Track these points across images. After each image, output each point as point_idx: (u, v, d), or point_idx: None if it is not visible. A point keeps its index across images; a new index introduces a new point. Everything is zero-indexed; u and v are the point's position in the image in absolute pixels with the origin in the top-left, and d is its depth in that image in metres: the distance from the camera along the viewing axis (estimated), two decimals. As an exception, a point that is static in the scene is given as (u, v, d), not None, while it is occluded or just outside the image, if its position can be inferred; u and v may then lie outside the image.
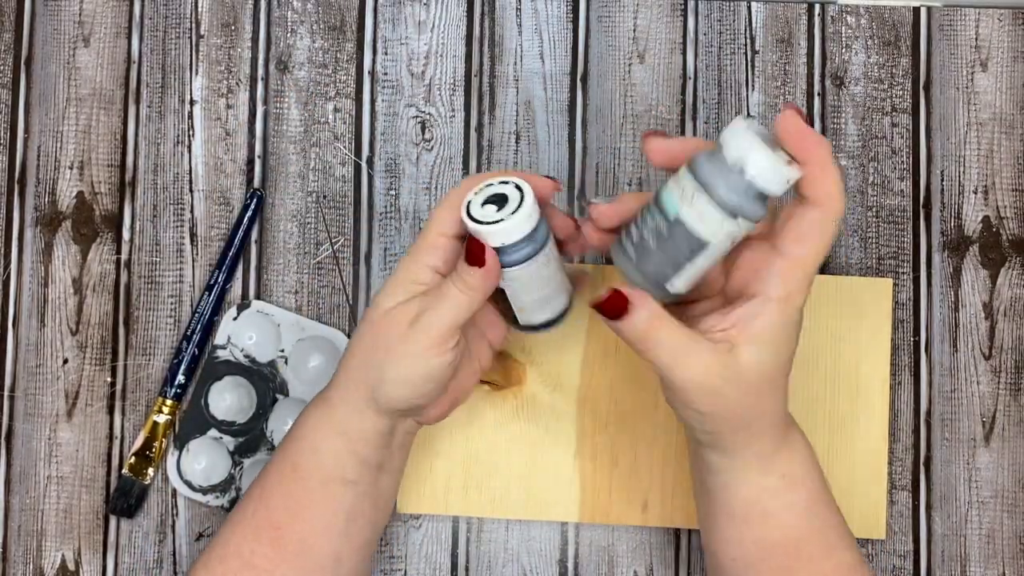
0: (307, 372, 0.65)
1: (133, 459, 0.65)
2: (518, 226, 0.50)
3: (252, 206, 0.66)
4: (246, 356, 0.65)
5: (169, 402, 0.65)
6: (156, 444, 0.65)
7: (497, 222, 0.50)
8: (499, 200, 0.51)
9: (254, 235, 0.67)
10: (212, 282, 0.66)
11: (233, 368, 0.65)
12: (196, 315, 0.65)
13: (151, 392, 0.67)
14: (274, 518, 0.54)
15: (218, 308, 0.66)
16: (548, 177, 0.53)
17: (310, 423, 0.54)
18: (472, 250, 0.50)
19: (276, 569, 0.53)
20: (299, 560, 0.53)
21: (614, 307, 0.49)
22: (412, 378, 0.52)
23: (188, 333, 0.65)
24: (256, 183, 0.68)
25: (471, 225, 0.51)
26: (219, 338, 0.65)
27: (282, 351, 0.65)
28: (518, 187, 0.51)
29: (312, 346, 0.65)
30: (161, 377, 0.66)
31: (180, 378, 0.65)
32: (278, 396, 0.65)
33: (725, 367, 0.49)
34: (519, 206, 0.50)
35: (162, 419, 0.65)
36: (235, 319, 0.65)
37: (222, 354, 0.65)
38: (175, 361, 0.65)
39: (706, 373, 0.49)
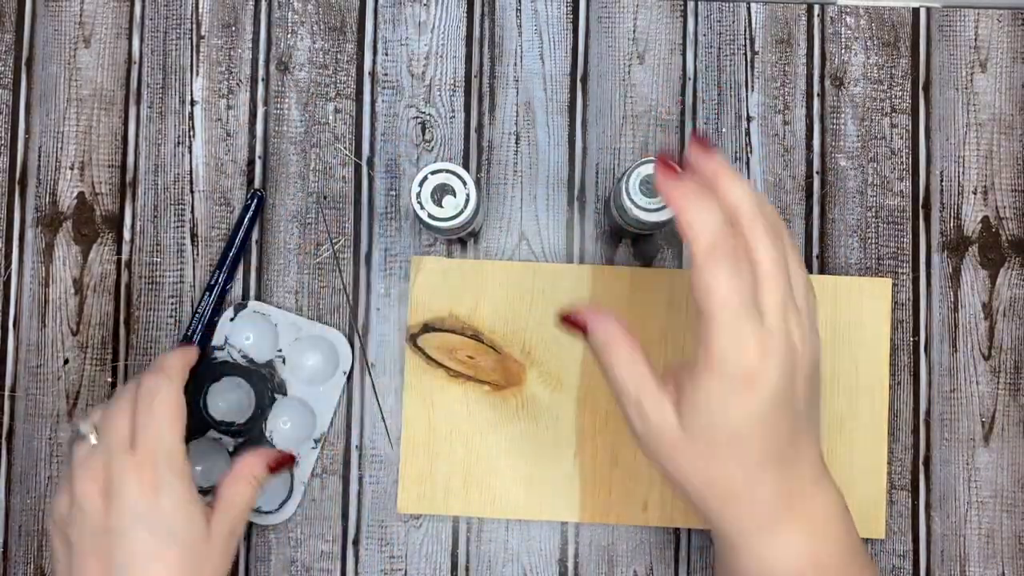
0: (305, 371, 0.65)
1: None
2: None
3: (253, 206, 0.66)
4: (244, 356, 0.65)
5: None
6: None
7: None
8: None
9: (255, 235, 0.67)
10: (212, 282, 0.66)
11: (231, 369, 0.65)
12: (196, 316, 0.65)
13: (152, 392, 0.67)
14: None
15: (219, 309, 0.66)
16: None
17: None
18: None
19: None
20: None
21: (573, 324, 0.50)
22: None
23: (188, 333, 0.65)
24: (257, 184, 0.68)
25: None
26: (216, 339, 0.65)
27: (280, 351, 0.66)
28: None
29: (310, 345, 0.65)
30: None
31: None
32: (276, 396, 0.65)
33: (663, 420, 0.46)
34: None
35: None
36: (232, 320, 0.65)
37: (219, 355, 0.65)
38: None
39: (643, 419, 0.47)
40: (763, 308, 0.45)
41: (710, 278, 0.44)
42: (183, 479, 0.52)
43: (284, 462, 0.58)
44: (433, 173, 0.58)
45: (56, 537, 0.53)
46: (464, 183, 0.58)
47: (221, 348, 0.65)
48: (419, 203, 0.58)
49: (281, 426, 0.65)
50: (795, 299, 0.46)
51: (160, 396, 0.53)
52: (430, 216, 0.58)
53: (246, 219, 0.66)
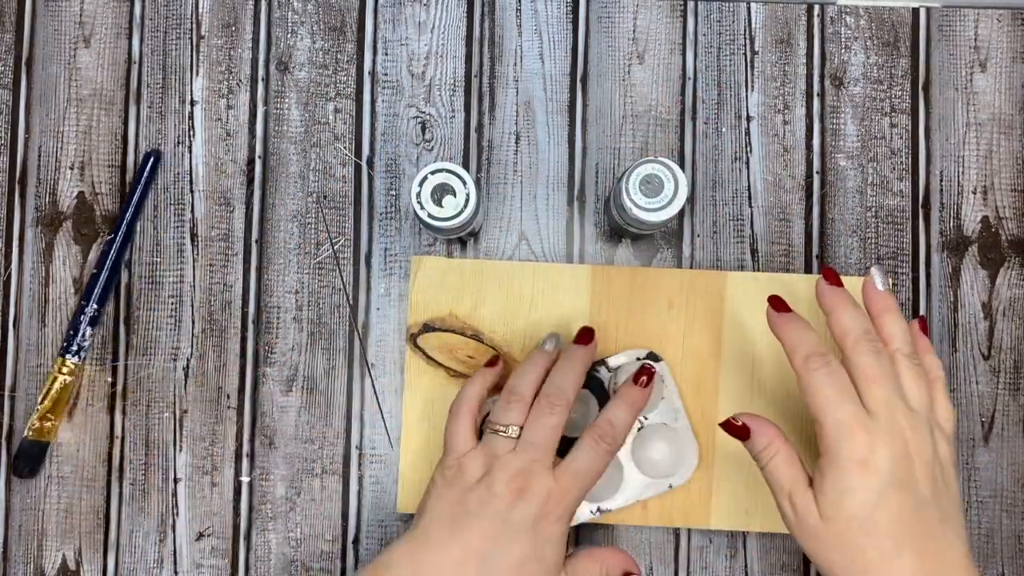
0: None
1: (37, 422, 0.65)
2: None
3: (148, 168, 0.67)
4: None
5: (70, 362, 0.65)
6: (61, 405, 0.66)
7: None
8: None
9: (254, 235, 0.68)
10: (108, 247, 0.66)
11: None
12: (95, 274, 0.66)
13: (152, 392, 0.67)
14: None
15: (116, 268, 0.66)
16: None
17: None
18: None
19: None
20: None
21: (735, 430, 0.56)
22: None
23: (89, 294, 0.66)
24: (256, 183, 0.68)
25: None
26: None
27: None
28: None
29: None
30: (162, 376, 0.67)
31: (81, 338, 0.66)
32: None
33: (807, 511, 0.52)
34: None
35: (67, 380, 0.66)
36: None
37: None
38: (79, 320, 0.66)
39: (794, 511, 0.53)
40: (869, 406, 0.51)
41: (815, 381, 0.52)
42: (567, 524, 0.56)
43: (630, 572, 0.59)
44: (433, 173, 0.58)
45: (448, 487, 0.56)
46: (464, 183, 0.58)
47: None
48: (419, 203, 0.58)
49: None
50: (908, 402, 0.52)
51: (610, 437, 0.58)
52: (430, 216, 0.58)
53: (142, 180, 0.67)
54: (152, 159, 0.67)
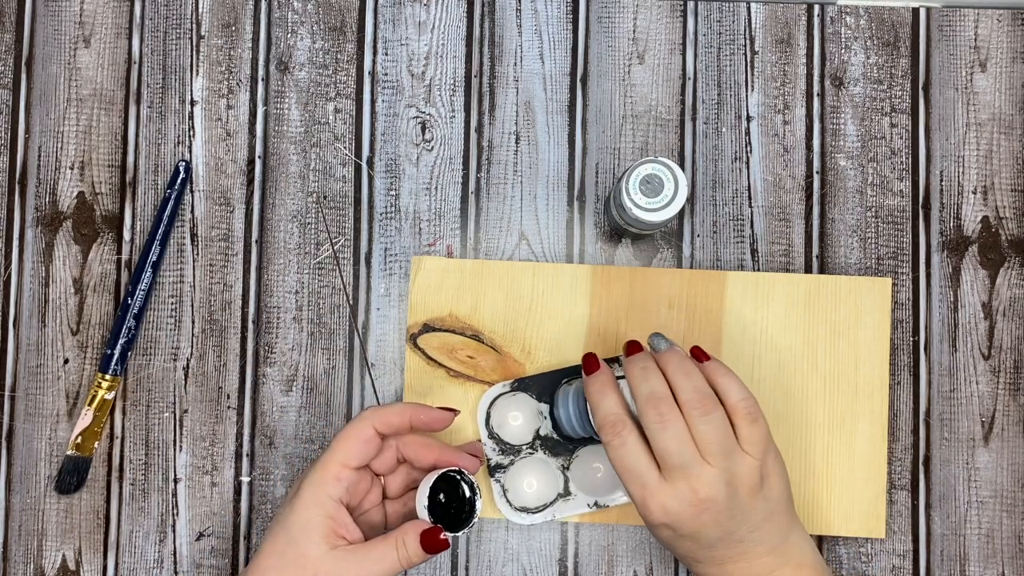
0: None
1: (80, 439, 0.65)
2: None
3: (181, 176, 0.67)
4: None
5: (108, 378, 0.66)
6: (103, 419, 0.66)
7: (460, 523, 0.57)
8: (449, 486, 0.57)
9: (254, 235, 0.68)
10: (149, 257, 0.66)
11: None
12: (139, 292, 0.66)
13: (152, 392, 0.67)
14: None
15: (152, 283, 0.66)
16: (471, 454, 0.60)
17: None
18: (433, 543, 0.55)
19: None
20: None
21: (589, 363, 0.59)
22: None
23: (135, 312, 0.66)
24: (256, 183, 0.68)
25: (430, 519, 0.56)
26: None
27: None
28: (466, 482, 0.57)
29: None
30: (162, 376, 0.67)
31: (117, 353, 0.66)
32: None
33: (643, 510, 0.57)
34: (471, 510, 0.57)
35: (107, 397, 0.66)
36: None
37: None
38: (124, 341, 0.66)
39: (632, 499, 0.57)
40: (664, 474, 0.55)
41: (608, 452, 0.57)
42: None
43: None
44: (642, 164, 0.58)
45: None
46: (673, 174, 0.58)
47: None
48: (628, 195, 0.58)
49: None
50: (705, 455, 0.55)
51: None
52: (636, 206, 0.58)
53: (176, 188, 0.67)
54: (183, 172, 0.67)
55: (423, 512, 0.56)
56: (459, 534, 0.57)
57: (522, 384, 0.65)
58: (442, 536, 0.55)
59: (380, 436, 0.57)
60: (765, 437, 0.56)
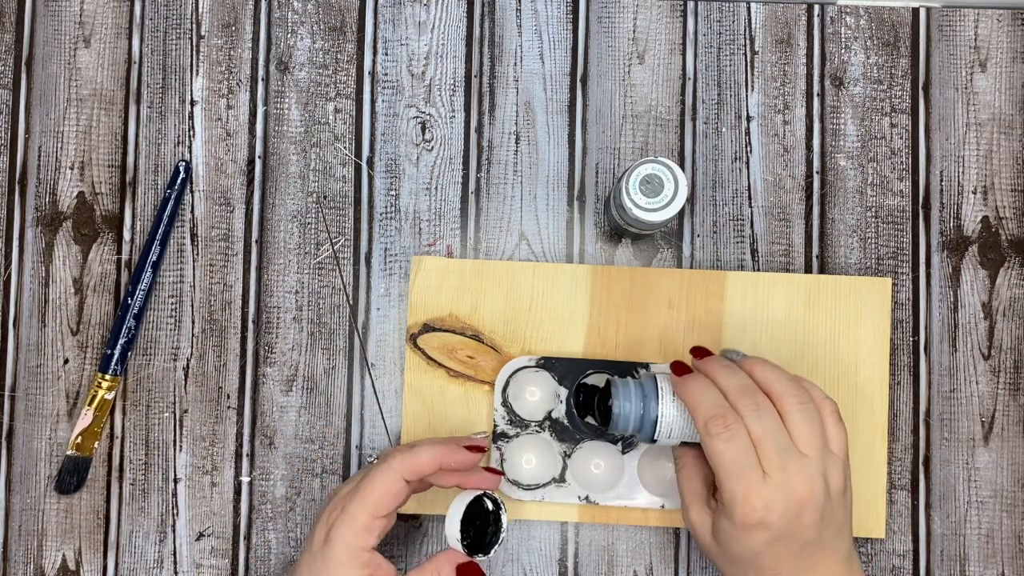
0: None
1: (80, 439, 0.66)
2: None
3: (180, 177, 0.67)
4: None
5: (108, 378, 0.66)
6: (103, 419, 0.66)
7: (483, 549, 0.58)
8: (479, 511, 0.58)
9: (254, 235, 0.68)
10: (149, 257, 0.66)
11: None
12: (139, 292, 0.66)
13: (152, 392, 0.67)
14: None
15: (152, 283, 0.66)
16: (490, 469, 0.59)
17: None
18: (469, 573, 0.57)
19: None
20: None
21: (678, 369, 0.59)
22: None
23: (135, 312, 0.66)
24: (256, 183, 0.68)
25: (463, 549, 0.57)
26: None
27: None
28: (495, 502, 0.58)
29: None
30: (162, 376, 0.67)
31: (117, 353, 0.66)
32: None
33: (702, 527, 0.58)
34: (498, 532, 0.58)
35: (107, 397, 0.66)
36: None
37: None
38: (124, 341, 0.66)
39: (690, 522, 0.58)
40: (763, 467, 0.54)
41: (714, 446, 0.55)
42: None
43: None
44: (642, 164, 0.58)
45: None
46: (673, 174, 0.58)
47: None
48: (628, 194, 0.58)
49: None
50: (800, 448, 0.54)
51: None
52: (635, 206, 0.58)
53: (175, 188, 0.67)
54: (183, 172, 0.67)
55: (455, 543, 0.57)
56: (491, 555, 0.58)
57: (548, 363, 0.65)
58: (478, 566, 0.56)
59: (407, 483, 0.57)
60: (846, 439, 0.56)
